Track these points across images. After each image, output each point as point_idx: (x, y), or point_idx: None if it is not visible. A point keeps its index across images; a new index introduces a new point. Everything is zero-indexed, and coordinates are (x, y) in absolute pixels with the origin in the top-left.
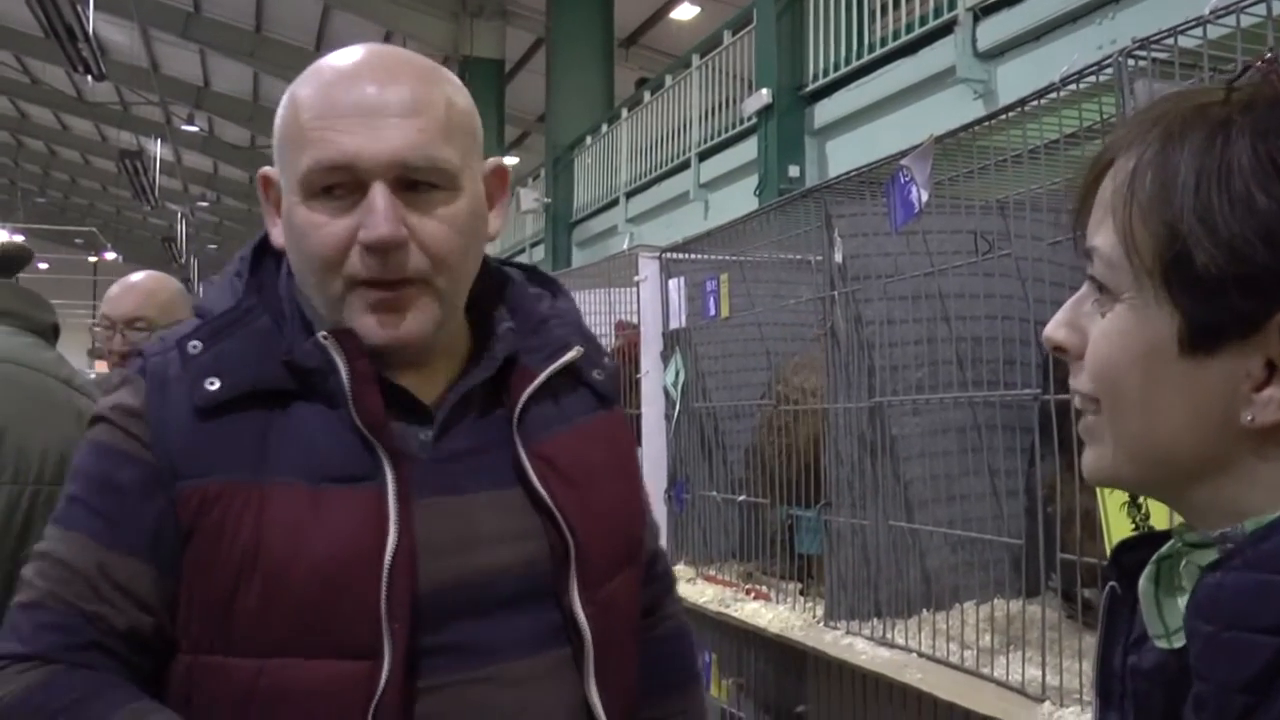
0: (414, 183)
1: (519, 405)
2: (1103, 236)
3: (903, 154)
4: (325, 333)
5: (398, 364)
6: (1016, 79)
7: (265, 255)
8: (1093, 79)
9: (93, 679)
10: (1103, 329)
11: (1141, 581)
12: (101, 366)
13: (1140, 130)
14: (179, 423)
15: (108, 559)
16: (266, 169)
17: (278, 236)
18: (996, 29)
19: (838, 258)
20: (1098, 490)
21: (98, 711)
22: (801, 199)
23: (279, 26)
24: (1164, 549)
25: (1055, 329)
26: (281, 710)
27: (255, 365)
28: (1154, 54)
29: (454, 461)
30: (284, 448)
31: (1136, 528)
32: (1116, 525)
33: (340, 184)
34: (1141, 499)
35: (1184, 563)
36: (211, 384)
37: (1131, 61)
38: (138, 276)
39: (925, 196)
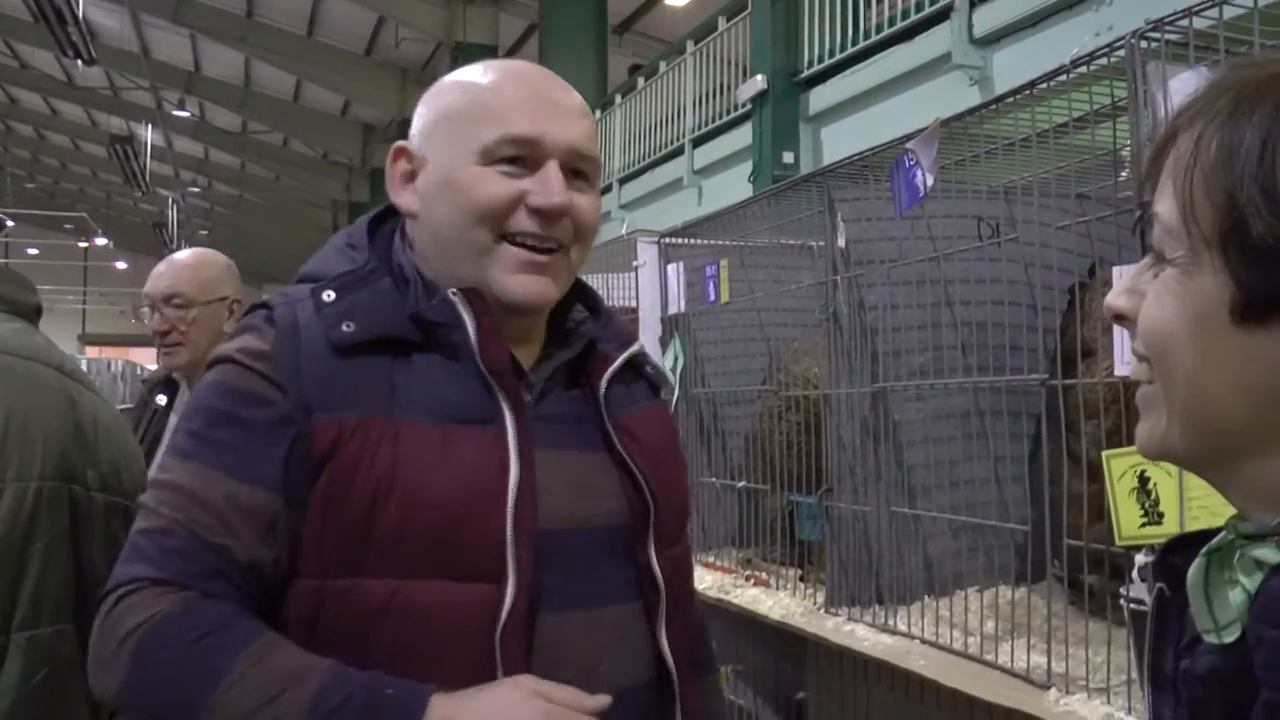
0: (575, 170)
1: (604, 382)
2: (1163, 203)
3: (907, 138)
4: (455, 290)
5: (506, 332)
6: (1012, 65)
7: (380, 227)
8: (1103, 61)
9: (223, 610)
10: (1155, 291)
11: (1190, 575)
12: (92, 352)
13: (1211, 97)
14: (313, 362)
15: (237, 491)
16: (403, 142)
17: (410, 202)
18: (992, 15)
19: (840, 242)
20: (1106, 476)
21: (230, 642)
22: (803, 184)
23: (270, 11)
24: (1214, 541)
25: (1116, 296)
26: (413, 627)
27: (385, 315)
28: (1167, 35)
29: (553, 422)
30: (410, 391)
31: (1145, 514)
32: (1125, 512)
33: (521, 156)
34: (1151, 484)
35: (1238, 555)
36: (348, 326)
37: (1144, 43)
38: (181, 254)
39: (930, 180)
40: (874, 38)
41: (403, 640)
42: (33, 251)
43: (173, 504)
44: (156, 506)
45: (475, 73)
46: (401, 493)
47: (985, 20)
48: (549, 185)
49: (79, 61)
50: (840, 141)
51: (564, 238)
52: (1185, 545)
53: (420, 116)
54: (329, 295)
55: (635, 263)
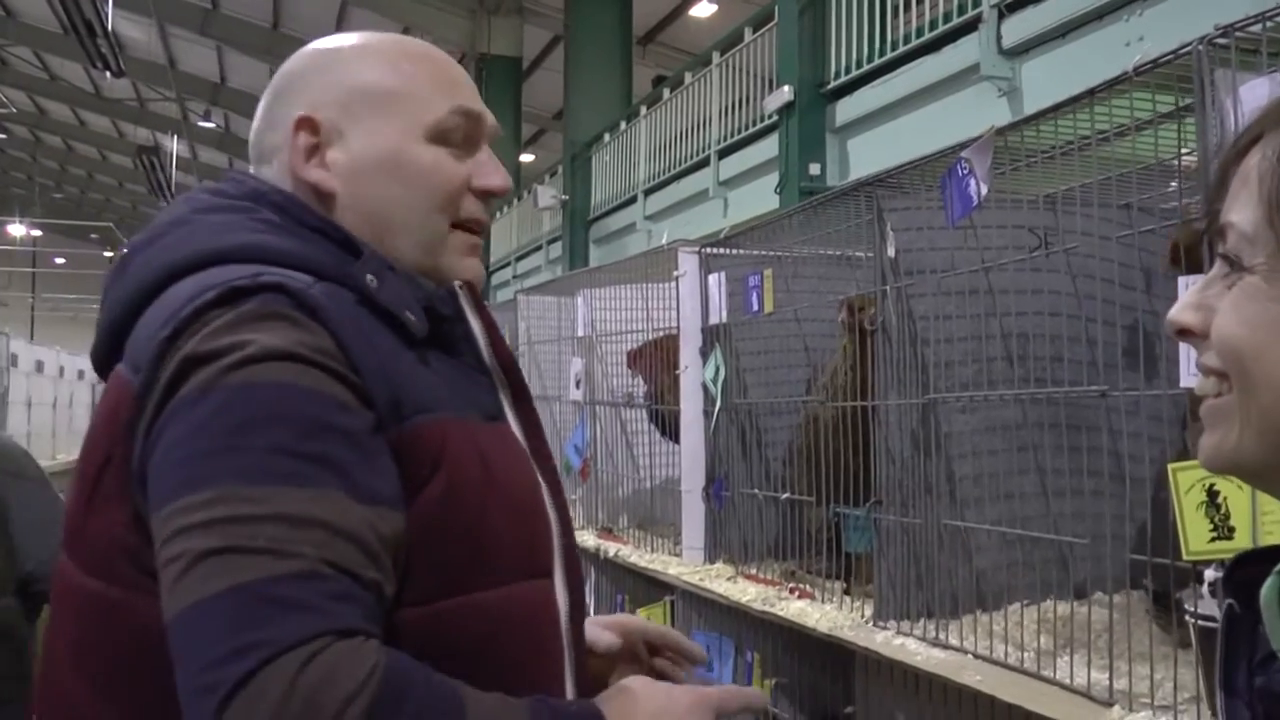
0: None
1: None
2: (1240, 211)
3: (961, 146)
4: (460, 282)
5: None
6: (1042, 76)
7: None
8: (1166, 65)
9: (408, 660)
10: (1233, 299)
11: (1264, 595)
12: None
13: None
14: (391, 358)
15: (373, 516)
16: (307, 112)
17: (324, 179)
18: (1021, 26)
19: (890, 252)
20: (1172, 489)
21: (450, 695)
22: (851, 193)
23: (296, 23)
24: None
25: (1181, 311)
26: (523, 632)
27: (418, 306)
28: (1236, 40)
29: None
30: (452, 387)
31: (1215, 529)
32: (1193, 527)
33: (465, 134)
34: (1221, 498)
35: None
36: (410, 316)
37: (1212, 49)
38: None
39: (985, 190)
40: (902, 48)
41: (514, 648)
42: (60, 261)
43: (304, 540)
44: (274, 546)
45: (375, 47)
46: (500, 494)
47: (1014, 31)
48: (492, 166)
49: (107, 73)
50: (867, 153)
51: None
52: (1254, 560)
53: (324, 87)
54: (373, 281)
55: (676, 273)
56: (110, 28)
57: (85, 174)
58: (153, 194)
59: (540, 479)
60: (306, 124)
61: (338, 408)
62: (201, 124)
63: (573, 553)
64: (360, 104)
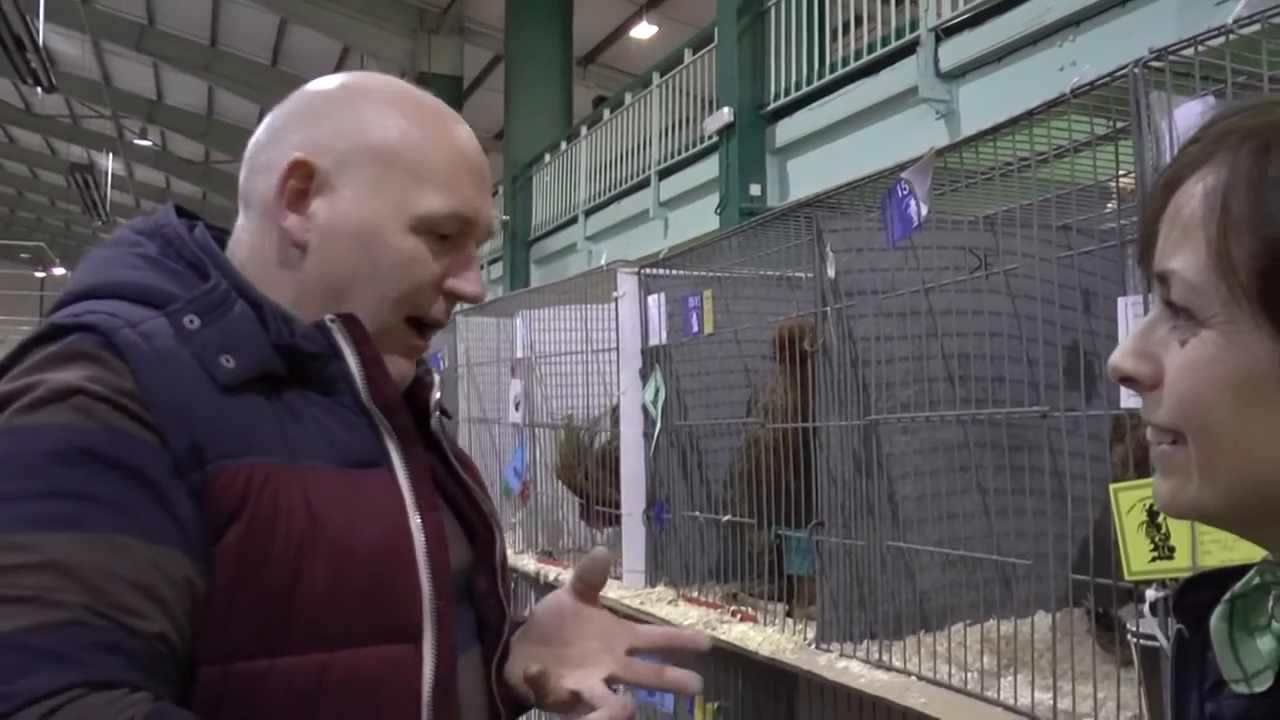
0: None
1: (434, 410)
2: (1182, 258)
3: (900, 167)
4: (332, 316)
5: None
6: (979, 99)
7: (190, 233)
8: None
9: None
10: (1188, 359)
11: (1214, 622)
12: None
13: (1219, 146)
14: (196, 401)
15: (160, 558)
16: (309, 157)
17: (300, 230)
18: (958, 50)
19: (830, 273)
20: (1114, 510)
21: None
22: (791, 214)
23: (234, 40)
24: (1239, 586)
25: (1124, 359)
26: (353, 703)
27: (258, 347)
28: (1170, 64)
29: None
30: (300, 431)
31: (1155, 549)
32: (1134, 547)
33: (456, 232)
34: (1161, 518)
35: (1274, 601)
36: (228, 361)
37: (1146, 72)
38: None
39: (925, 211)
40: (841, 71)
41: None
42: None
43: (72, 588)
44: (39, 594)
45: (408, 107)
46: (326, 552)
47: (951, 55)
48: (472, 274)
49: (38, 89)
50: (807, 174)
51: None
52: (1203, 585)
53: (333, 133)
54: (192, 321)
55: (615, 294)
56: (41, 42)
57: (15, 192)
58: (86, 213)
59: (419, 533)
60: (300, 168)
61: (127, 446)
62: (138, 142)
63: (450, 615)
64: (360, 162)
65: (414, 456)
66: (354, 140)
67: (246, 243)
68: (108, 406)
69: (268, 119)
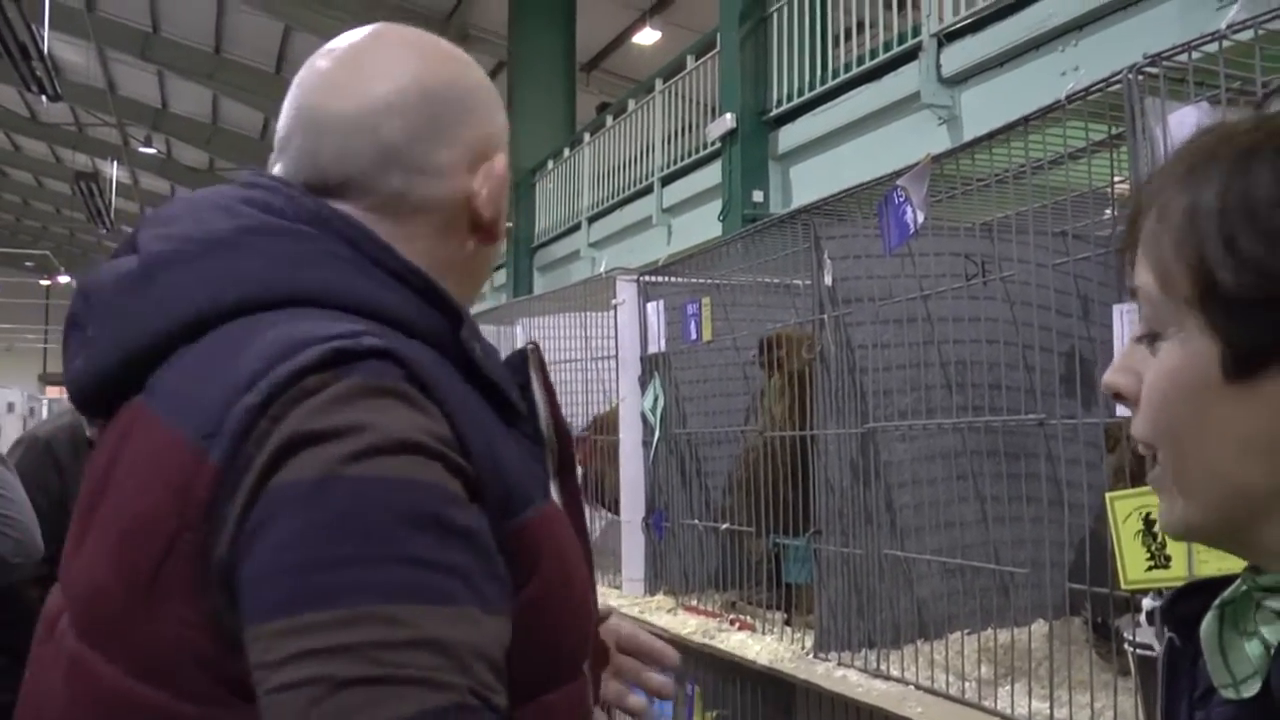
0: None
1: None
2: (1141, 275)
3: (897, 174)
4: (531, 344)
5: None
6: (981, 104)
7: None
8: (1098, 93)
9: None
10: (1155, 370)
11: (1204, 629)
12: (52, 393)
13: (1172, 168)
14: (497, 443)
15: (498, 630)
16: (499, 158)
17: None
18: (960, 55)
19: (827, 280)
20: (1110, 519)
21: None
22: (789, 221)
23: (239, 48)
24: (1227, 594)
25: (1112, 374)
26: None
27: (509, 377)
28: (1165, 70)
29: None
30: (521, 464)
31: (1151, 558)
32: (1131, 556)
33: None
34: (1158, 527)
35: (1256, 607)
36: (513, 393)
37: (1141, 78)
38: None
39: (921, 217)
40: (842, 77)
41: None
42: None
43: (452, 667)
44: (430, 676)
45: (472, 65)
46: (570, 592)
47: (953, 60)
48: None
49: (43, 97)
50: (809, 180)
51: None
52: (1195, 594)
53: (493, 124)
54: (475, 348)
55: (614, 301)
56: (46, 51)
57: (20, 200)
58: (91, 221)
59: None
60: (502, 176)
61: (461, 507)
62: (142, 150)
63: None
64: (493, 150)
65: (569, 483)
66: (500, 122)
67: (421, 250)
68: (438, 461)
69: (401, 105)
